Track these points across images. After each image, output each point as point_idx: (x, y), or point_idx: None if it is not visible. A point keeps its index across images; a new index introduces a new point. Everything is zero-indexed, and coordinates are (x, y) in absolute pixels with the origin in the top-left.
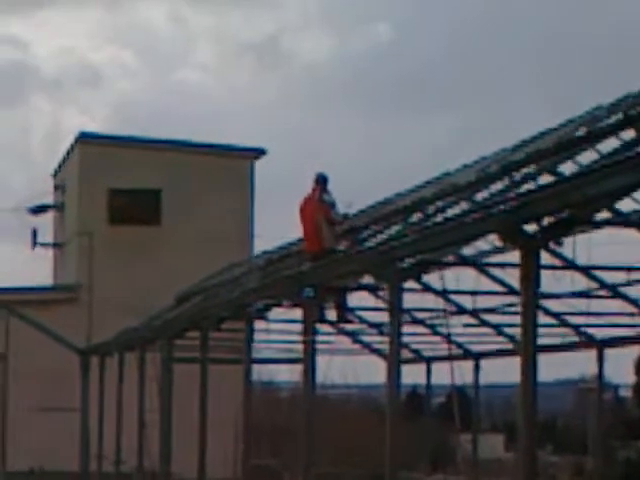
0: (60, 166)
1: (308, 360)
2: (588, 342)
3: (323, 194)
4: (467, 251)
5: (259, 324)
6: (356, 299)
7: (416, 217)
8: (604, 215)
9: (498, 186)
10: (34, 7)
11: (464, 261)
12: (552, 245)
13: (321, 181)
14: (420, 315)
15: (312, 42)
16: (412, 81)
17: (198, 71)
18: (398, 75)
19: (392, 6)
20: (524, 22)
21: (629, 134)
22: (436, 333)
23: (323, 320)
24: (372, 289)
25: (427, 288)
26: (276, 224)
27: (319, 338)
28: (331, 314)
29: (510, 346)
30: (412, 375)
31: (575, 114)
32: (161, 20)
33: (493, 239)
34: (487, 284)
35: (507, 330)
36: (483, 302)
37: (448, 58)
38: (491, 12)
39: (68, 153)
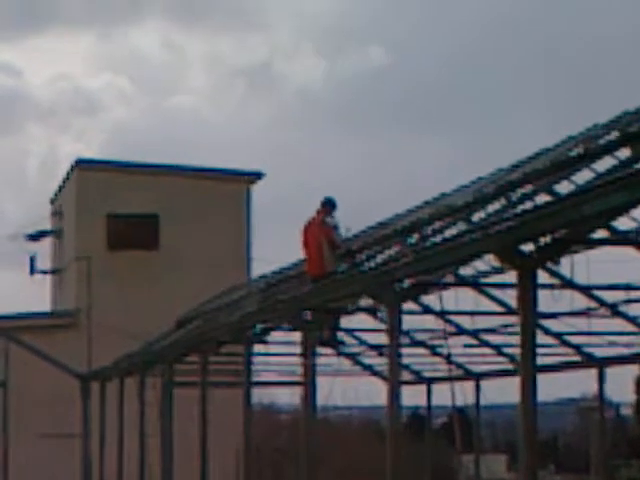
0: (58, 192)
1: (308, 383)
2: (588, 361)
3: (326, 217)
4: (465, 272)
5: (259, 347)
6: (356, 321)
7: (414, 238)
8: (601, 234)
9: (495, 206)
10: (25, 34)
11: (462, 282)
12: (550, 264)
13: (329, 205)
14: (420, 336)
15: (305, 65)
16: (407, 102)
17: (192, 96)
18: (393, 96)
19: (385, 28)
20: (522, 42)
21: (625, 152)
22: (436, 354)
23: (323, 343)
24: (371, 311)
25: (426, 309)
26: (274, 247)
27: (319, 360)
28: (324, 335)
29: (510, 366)
30: (413, 396)
31: (572, 133)
32: (154, 47)
33: (491, 259)
34: (486, 304)
35: (507, 350)
36: (482, 322)
37: (443, 79)
38: (487, 32)
39: (66, 179)
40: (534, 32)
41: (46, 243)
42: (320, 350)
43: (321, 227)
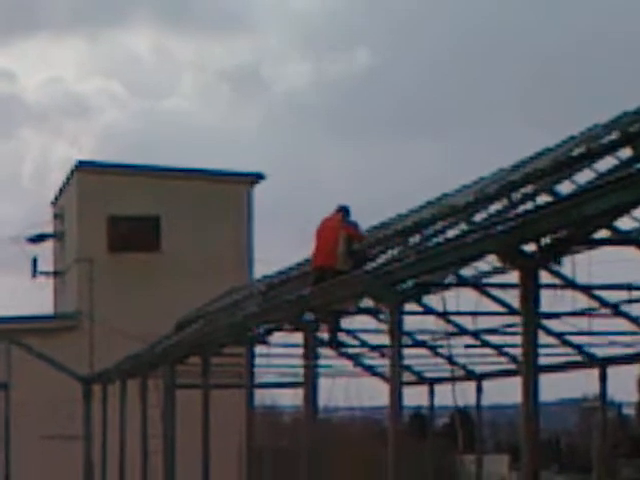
0: (59, 195)
1: (309, 384)
2: (590, 361)
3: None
4: (467, 272)
5: (260, 348)
6: (357, 322)
7: (416, 239)
8: (603, 234)
9: (497, 207)
10: (16, 38)
11: (464, 282)
12: (551, 264)
13: (343, 211)
14: (421, 337)
15: (292, 68)
16: (395, 103)
17: (182, 99)
18: (381, 98)
19: (373, 31)
20: (512, 46)
21: (626, 152)
22: (438, 355)
23: (324, 343)
24: (372, 312)
25: (428, 310)
26: (276, 248)
27: (321, 361)
28: (324, 337)
29: (512, 366)
30: (415, 397)
31: (569, 134)
32: (144, 50)
33: (493, 259)
34: (488, 305)
35: (509, 350)
36: (484, 323)
37: (433, 82)
38: (478, 32)
39: (66, 181)
40: (527, 34)
41: (48, 246)
42: (321, 351)
43: (342, 223)
